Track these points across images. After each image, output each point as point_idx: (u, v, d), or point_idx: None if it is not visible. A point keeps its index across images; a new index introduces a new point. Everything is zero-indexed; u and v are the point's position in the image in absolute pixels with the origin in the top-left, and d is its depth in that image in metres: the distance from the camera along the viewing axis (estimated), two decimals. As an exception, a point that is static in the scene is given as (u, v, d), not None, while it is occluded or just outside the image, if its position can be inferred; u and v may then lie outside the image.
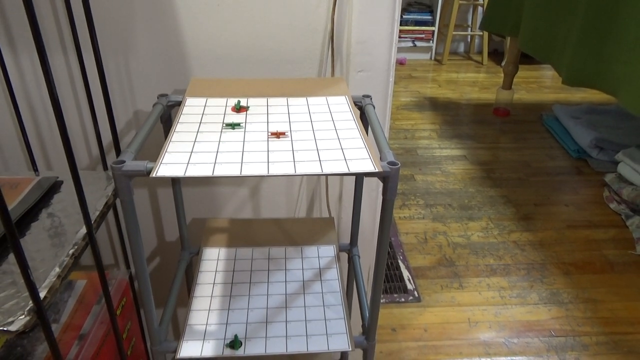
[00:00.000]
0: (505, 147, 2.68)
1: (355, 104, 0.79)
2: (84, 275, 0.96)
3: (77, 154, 0.99)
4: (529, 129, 2.91)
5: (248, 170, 0.55)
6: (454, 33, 3.99)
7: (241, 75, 0.94)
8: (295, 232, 0.96)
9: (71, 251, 0.66)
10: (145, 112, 0.96)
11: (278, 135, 0.64)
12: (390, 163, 0.59)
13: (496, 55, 4.28)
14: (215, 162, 0.57)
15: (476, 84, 3.67)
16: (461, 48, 4.39)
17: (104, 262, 1.15)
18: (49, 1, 0.84)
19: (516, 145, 2.70)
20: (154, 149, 0.97)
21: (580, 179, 2.39)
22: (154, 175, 0.54)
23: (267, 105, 0.74)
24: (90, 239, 0.70)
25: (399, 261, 1.76)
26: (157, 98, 0.77)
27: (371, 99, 0.79)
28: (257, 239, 0.94)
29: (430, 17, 4.03)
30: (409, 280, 1.67)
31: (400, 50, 4.17)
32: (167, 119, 0.79)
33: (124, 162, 0.57)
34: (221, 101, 0.75)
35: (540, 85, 3.68)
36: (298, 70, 0.95)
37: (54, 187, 0.83)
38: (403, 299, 1.59)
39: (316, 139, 0.64)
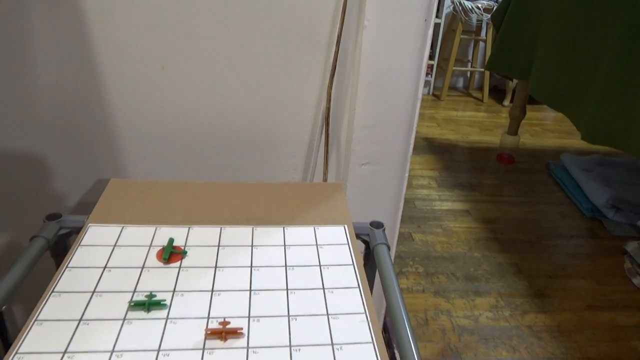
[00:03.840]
0: (512, 201, 2.43)
1: (358, 236, 0.52)
2: None
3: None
4: (536, 179, 2.67)
5: None
6: (453, 68, 3.78)
7: (191, 164, 0.67)
8: None
9: None
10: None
11: (224, 335, 0.36)
12: None
13: (497, 92, 4.06)
14: None
15: (476, 123, 3.45)
16: (460, 83, 4.18)
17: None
18: None
19: (524, 199, 2.45)
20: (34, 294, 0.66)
21: (597, 243, 2.14)
22: None
23: (218, 246, 0.46)
24: None
25: (395, 351, 1.47)
26: (43, 221, 0.48)
27: (384, 230, 0.51)
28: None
29: (429, 51, 3.82)
30: (407, 379, 1.38)
31: (396, 83, 3.94)
32: (61, 250, 0.50)
33: None
34: (145, 234, 0.47)
35: (544, 128, 3.47)
36: (275, 159, 0.68)
37: None
38: (400, 408, 1.30)
39: (291, 345, 0.36)
